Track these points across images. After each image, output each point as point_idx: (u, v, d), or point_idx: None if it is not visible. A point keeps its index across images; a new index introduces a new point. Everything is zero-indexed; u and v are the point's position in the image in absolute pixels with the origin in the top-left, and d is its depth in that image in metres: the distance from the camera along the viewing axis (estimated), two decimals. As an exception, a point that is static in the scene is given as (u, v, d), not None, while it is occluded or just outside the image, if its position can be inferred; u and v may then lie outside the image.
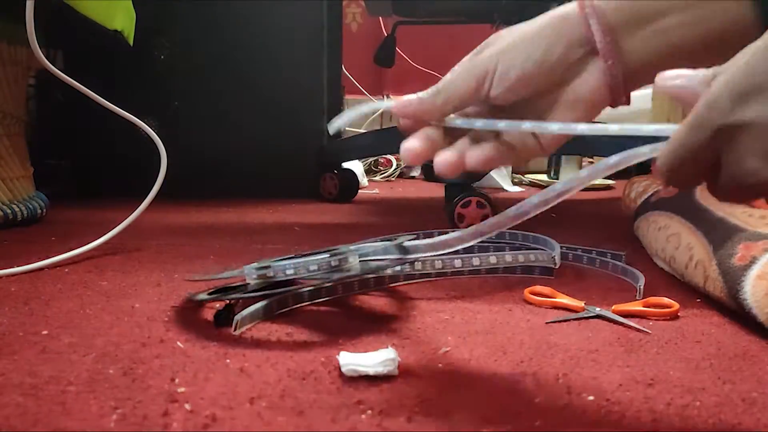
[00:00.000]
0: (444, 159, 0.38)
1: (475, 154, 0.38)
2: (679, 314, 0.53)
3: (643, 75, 0.37)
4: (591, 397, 0.37)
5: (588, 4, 0.37)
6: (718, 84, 0.29)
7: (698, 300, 0.58)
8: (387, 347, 0.41)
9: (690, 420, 0.34)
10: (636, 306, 0.54)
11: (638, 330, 0.49)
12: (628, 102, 0.39)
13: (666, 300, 0.54)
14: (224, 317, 0.48)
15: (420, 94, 0.40)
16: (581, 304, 0.54)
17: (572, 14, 0.37)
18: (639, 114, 1.70)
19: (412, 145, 0.38)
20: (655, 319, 0.52)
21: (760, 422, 0.35)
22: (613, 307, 0.53)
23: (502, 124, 0.38)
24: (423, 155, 0.38)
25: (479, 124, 0.38)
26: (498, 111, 0.40)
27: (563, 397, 0.37)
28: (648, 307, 0.53)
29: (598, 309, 0.53)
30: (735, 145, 0.28)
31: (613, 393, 0.38)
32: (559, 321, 0.51)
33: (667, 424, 0.34)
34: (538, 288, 0.58)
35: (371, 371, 0.39)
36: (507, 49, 0.38)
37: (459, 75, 0.39)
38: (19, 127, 0.93)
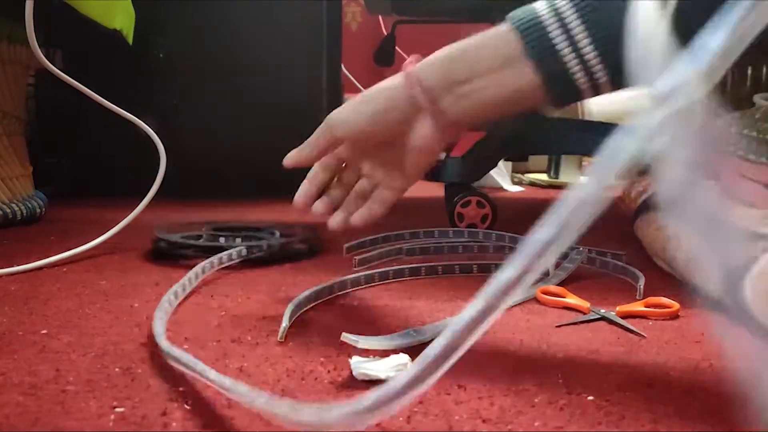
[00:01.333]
0: (336, 222, 0.54)
1: (361, 216, 0.53)
2: (679, 314, 0.53)
3: (465, 123, 0.46)
4: (591, 397, 0.37)
5: (412, 73, 0.47)
6: None
7: (698, 300, 0.58)
8: (398, 353, 0.41)
9: (689, 420, 0.34)
10: (638, 306, 0.54)
11: (637, 334, 0.49)
12: (457, 138, 0.51)
13: (666, 300, 0.54)
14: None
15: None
16: (587, 305, 0.54)
17: (399, 83, 0.47)
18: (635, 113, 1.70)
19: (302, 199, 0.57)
20: (656, 319, 0.52)
21: (760, 423, 0.34)
22: (617, 308, 0.53)
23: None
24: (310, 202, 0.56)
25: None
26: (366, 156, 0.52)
27: (563, 397, 0.37)
28: (648, 307, 0.54)
29: (602, 310, 0.53)
30: None
31: (613, 393, 0.38)
32: (567, 324, 0.51)
33: (666, 424, 0.34)
34: (551, 288, 0.58)
35: (383, 376, 0.38)
36: (351, 105, 0.50)
37: (316, 132, 0.54)
38: (19, 126, 0.93)
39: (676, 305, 0.53)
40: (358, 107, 0.49)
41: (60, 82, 0.68)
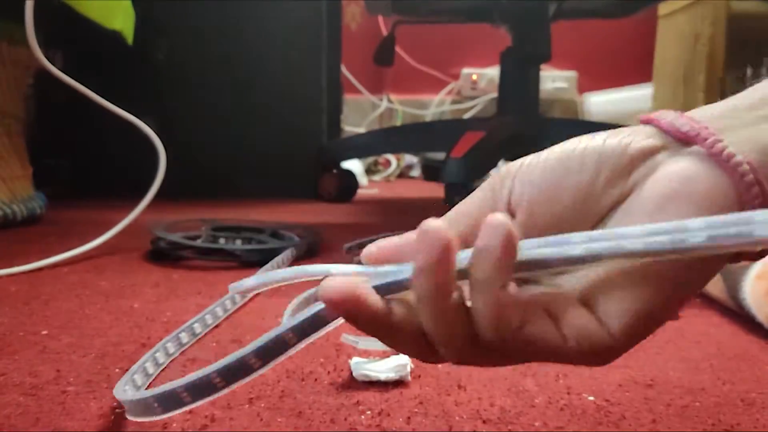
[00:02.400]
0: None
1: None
2: (679, 314, 0.53)
3: None
4: (591, 397, 0.37)
5: (654, 114, 0.26)
6: None
7: (698, 300, 0.58)
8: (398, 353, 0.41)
9: (689, 420, 0.34)
10: None
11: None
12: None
13: None
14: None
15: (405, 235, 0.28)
16: None
17: (618, 129, 0.26)
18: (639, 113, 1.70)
19: None
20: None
21: (759, 422, 0.35)
22: None
23: None
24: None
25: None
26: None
27: (563, 397, 0.37)
28: None
29: None
30: None
31: (613, 393, 0.38)
32: None
33: (666, 424, 0.34)
34: None
35: (383, 377, 0.38)
36: (534, 159, 0.26)
37: (475, 192, 0.27)
38: (19, 126, 0.93)
39: None
40: (535, 159, 0.26)
41: (60, 83, 0.68)
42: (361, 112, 2.07)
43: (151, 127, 0.75)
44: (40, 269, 0.65)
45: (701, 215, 0.21)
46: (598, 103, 1.95)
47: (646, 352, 0.45)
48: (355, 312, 0.24)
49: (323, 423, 0.33)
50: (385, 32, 1.93)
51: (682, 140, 0.24)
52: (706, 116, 0.24)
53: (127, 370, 0.39)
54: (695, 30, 1.50)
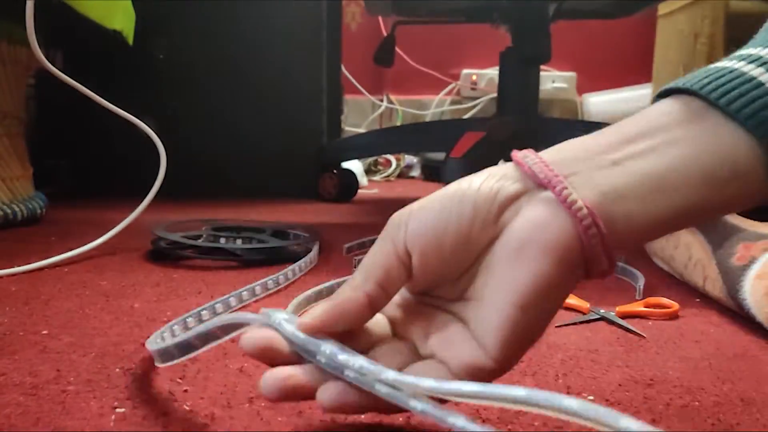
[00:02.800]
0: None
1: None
2: (678, 314, 0.53)
3: (617, 219, 0.27)
4: (591, 397, 0.37)
5: (521, 153, 0.30)
6: None
7: (697, 300, 0.58)
8: None
9: (689, 420, 0.34)
10: (637, 307, 0.54)
11: (636, 334, 0.49)
12: (610, 265, 0.28)
13: (665, 300, 0.55)
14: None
15: (333, 296, 0.31)
16: (587, 305, 0.54)
17: (496, 167, 0.31)
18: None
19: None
20: (655, 319, 0.52)
21: (759, 422, 0.35)
22: (617, 309, 0.53)
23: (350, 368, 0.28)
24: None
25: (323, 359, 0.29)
26: (425, 299, 0.32)
27: (563, 396, 0.37)
28: (648, 307, 0.54)
29: (602, 310, 0.53)
30: None
31: (613, 393, 0.38)
32: (567, 324, 0.50)
33: (666, 424, 0.34)
34: None
35: None
36: (420, 205, 0.30)
37: (374, 246, 0.31)
38: (19, 126, 0.93)
39: (675, 305, 0.54)
40: (422, 205, 0.31)
41: (60, 83, 0.68)
42: (361, 112, 2.07)
43: (151, 127, 0.75)
44: (40, 269, 0.65)
45: (551, 261, 0.27)
46: (598, 103, 1.95)
47: (646, 352, 0.45)
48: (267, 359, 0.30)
49: (323, 422, 0.33)
50: (385, 32, 1.93)
51: (540, 185, 0.28)
52: (562, 159, 0.28)
53: (127, 369, 0.39)
54: (695, 29, 1.50)
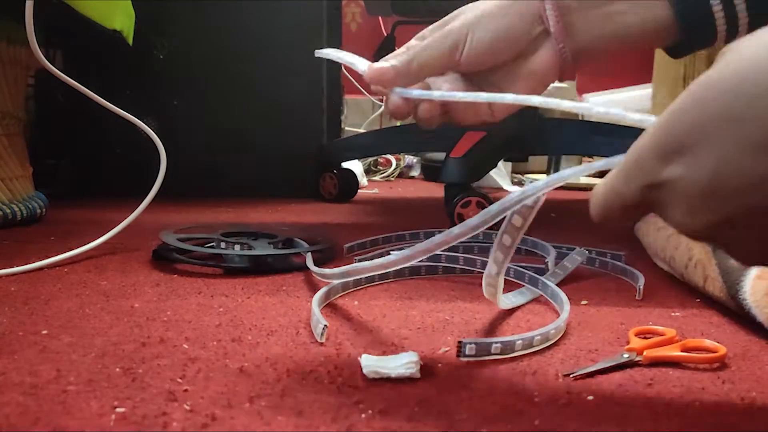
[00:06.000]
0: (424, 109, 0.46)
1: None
2: (727, 359, 0.43)
3: (589, 55, 0.43)
4: (591, 397, 0.37)
5: None
6: (644, 141, 0.29)
7: (698, 300, 0.58)
8: (407, 350, 0.41)
9: (690, 420, 0.34)
10: (673, 351, 0.43)
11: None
12: (573, 77, 0.48)
13: (708, 342, 0.44)
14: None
15: (392, 61, 0.45)
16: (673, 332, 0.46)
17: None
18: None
19: (396, 103, 0.46)
20: (695, 367, 0.42)
21: (760, 422, 0.35)
22: (645, 353, 0.42)
23: (460, 95, 0.42)
24: (405, 110, 0.46)
25: (437, 94, 0.43)
26: (463, 80, 0.46)
27: (563, 397, 0.37)
28: (686, 350, 0.43)
29: (626, 355, 0.42)
30: (661, 201, 0.29)
31: (613, 393, 0.38)
32: (583, 374, 0.40)
33: (666, 424, 0.34)
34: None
35: (393, 374, 0.38)
36: (476, 21, 0.43)
37: (432, 43, 0.44)
38: (19, 126, 0.93)
39: (721, 348, 0.43)
40: (485, 18, 0.44)
41: (60, 83, 0.68)
42: (361, 112, 2.07)
43: (151, 127, 0.75)
44: (40, 269, 0.65)
45: (542, 85, 0.45)
46: (598, 103, 1.95)
47: (646, 352, 0.45)
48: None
49: (324, 422, 0.33)
50: (385, 32, 1.93)
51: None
52: (572, 3, 0.42)
53: (127, 369, 0.39)
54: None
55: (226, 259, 0.68)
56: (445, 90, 0.46)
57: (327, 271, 0.50)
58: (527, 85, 0.44)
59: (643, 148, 0.29)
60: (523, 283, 0.60)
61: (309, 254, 0.66)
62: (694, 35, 0.41)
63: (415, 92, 0.44)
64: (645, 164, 0.28)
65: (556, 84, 2.25)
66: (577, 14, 0.42)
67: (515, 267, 0.62)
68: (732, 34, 0.40)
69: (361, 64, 0.47)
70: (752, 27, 0.39)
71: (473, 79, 0.46)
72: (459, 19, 0.44)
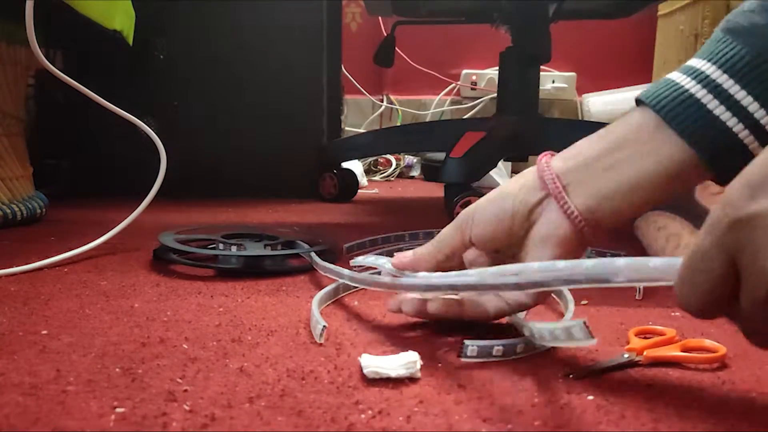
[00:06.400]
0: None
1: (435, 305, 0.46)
2: (726, 359, 0.43)
3: (608, 212, 0.41)
4: (591, 397, 0.37)
5: (542, 159, 0.43)
6: (734, 183, 0.28)
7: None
8: (407, 350, 0.41)
9: (690, 420, 0.34)
10: (673, 351, 0.43)
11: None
12: (596, 242, 0.45)
13: (708, 342, 0.44)
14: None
15: (415, 250, 0.48)
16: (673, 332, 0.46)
17: (529, 170, 0.44)
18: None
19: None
20: (696, 369, 0.42)
21: (759, 422, 0.35)
22: (645, 353, 0.42)
23: (452, 275, 0.43)
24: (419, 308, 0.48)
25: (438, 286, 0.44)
26: (491, 254, 0.46)
27: (563, 397, 0.37)
28: (686, 351, 0.44)
29: (626, 355, 0.42)
30: (752, 240, 0.26)
31: (613, 393, 0.38)
32: (583, 374, 0.40)
33: (666, 424, 0.34)
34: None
35: (393, 374, 0.38)
36: (479, 210, 0.45)
37: (448, 229, 0.47)
38: (19, 127, 0.93)
39: (721, 348, 0.43)
40: (488, 200, 0.45)
41: (60, 83, 0.68)
42: (361, 112, 2.07)
43: (151, 127, 0.75)
44: (40, 269, 0.65)
45: (560, 248, 0.42)
46: (598, 103, 1.95)
47: (646, 352, 0.45)
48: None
49: (323, 422, 0.33)
50: (385, 33, 1.93)
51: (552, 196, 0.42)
52: (568, 169, 0.42)
53: (127, 369, 0.39)
54: (695, 29, 1.50)
55: (221, 261, 0.67)
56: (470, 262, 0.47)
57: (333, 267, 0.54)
58: (547, 251, 0.42)
59: (732, 189, 0.28)
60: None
61: (312, 254, 0.66)
62: (728, 165, 0.37)
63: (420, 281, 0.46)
64: (734, 201, 0.27)
65: (556, 84, 2.24)
66: (575, 174, 0.41)
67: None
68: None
69: (385, 262, 0.51)
70: None
71: (504, 258, 0.46)
72: (473, 205, 0.46)
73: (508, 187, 0.44)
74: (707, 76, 0.38)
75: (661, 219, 0.71)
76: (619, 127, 0.41)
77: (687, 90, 0.39)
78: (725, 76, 0.38)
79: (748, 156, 0.37)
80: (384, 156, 1.86)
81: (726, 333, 0.49)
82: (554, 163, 0.43)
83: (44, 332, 0.46)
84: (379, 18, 1.98)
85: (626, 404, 0.36)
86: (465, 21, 1.29)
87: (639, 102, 0.41)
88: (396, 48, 1.37)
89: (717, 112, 0.38)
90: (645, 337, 0.46)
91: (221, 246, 0.69)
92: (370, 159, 1.85)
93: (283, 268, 0.68)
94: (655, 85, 0.40)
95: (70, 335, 0.46)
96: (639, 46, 1.91)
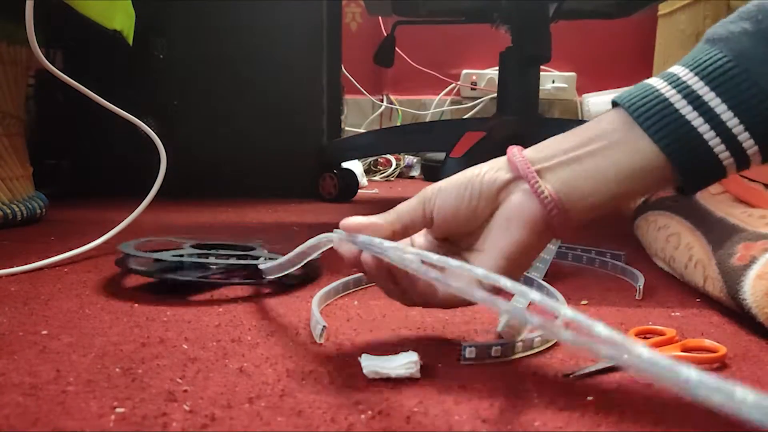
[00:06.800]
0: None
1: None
2: (727, 359, 0.43)
3: (572, 203, 0.40)
4: (591, 397, 0.37)
5: (513, 149, 0.42)
6: None
7: (698, 300, 0.58)
8: (408, 350, 0.41)
9: (690, 420, 0.34)
10: (674, 350, 0.44)
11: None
12: (567, 234, 0.41)
13: (708, 342, 0.44)
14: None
15: (371, 216, 0.44)
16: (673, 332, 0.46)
17: (498, 159, 0.43)
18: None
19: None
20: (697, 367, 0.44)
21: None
22: None
23: (412, 251, 0.38)
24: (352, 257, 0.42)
25: (391, 252, 0.39)
26: (444, 244, 0.44)
27: (563, 397, 0.37)
28: (687, 350, 0.44)
29: (626, 355, 0.44)
30: None
31: (613, 393, 0.38)
32: (582, 374, 0.40)
33: (667, 424, 0.34)
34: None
35: (393, 374, 0.38)
36: (445, 185, 0.42)
37: (410, 201, 0.44)
38: (19, 126, 0.93)
39: (721, 348, 0.43)
40: (448, 185, 0.42)
41: (60, 83, 0.68)
42: (361, 112, 2.07)
43: (151, 127, 0.75)
44: (40, 269, 0.65)
45: (527, 231, 0.40)
46: (598, 103, 1.95)
47: (646, 352, 0.45)
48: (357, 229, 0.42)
49: (323, 422, 0.33)
50: (385, 33, 1.93)
51: (521, 177, 0.40)
52: (539, 157, 0.41)
53: (127, 369, 0.39)
54: (695, 29, 1.50)
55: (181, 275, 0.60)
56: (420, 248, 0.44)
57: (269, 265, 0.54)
58: (510, 234, 0.40)
59: None
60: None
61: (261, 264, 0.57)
62: (697, 173, 0.38)
63: (361, 238, 0.41)
64: None
65: (556, 84, 2.24)
66: (546, 163, 0.40)
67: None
68: (744, 165, 0.38)
69: (332, 235, 0.44)
70: (766, 153, 0.38)
71: (455, 243, 0.44)
72: (437, 184, 0.43)
73: (475, 169, 0.42)
74: (683, 82, 0.38)
75: (661, 219, 0.71)
76: (589, 125, 0.41)
77: (662, 94, 0.39)
78: (701, 83, 0.38)
79: (714, 162, 0.38)
80: (384, 156, 1.86)
81: (726, 333, 0.49)
82: (525, 152, 0.42)
83: (44, 332, 0.46)
84: (379, 18, 1.98)
85: (626, 404, 0.36)
86: (465, 21, 1.29)
87: (614, 104, 0.41)
88: (396, 48, 1.37)
89: (689, 117, 0.38)
90: (645, 337, 0.46)
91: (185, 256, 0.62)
92: (370, 159, 1.85)
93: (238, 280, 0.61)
94: (632, 89, 0.40)
95: (70, 335, 0.46)
96: (639, 46, 1.91)
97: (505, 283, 0.32)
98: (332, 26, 1.36)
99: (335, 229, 0.43)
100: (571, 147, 0.40)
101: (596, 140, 0.40)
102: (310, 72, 1.31)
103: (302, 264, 0.49)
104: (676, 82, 0.38)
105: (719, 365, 0.42)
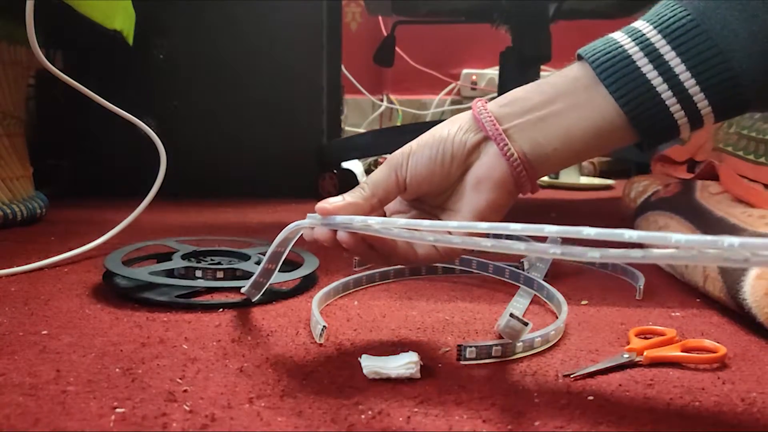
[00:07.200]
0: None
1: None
2: (727, 359, 0.43)
3: (539, 161, 0.41)
4: (591, 397, 0.37)
5: (478, 102, 0.42)
6: None
7: (698, 300, 0.58)
8: (408, 351, 0.41)
9: (690, 420, 0.34)
10: (673, 351, 0.43)
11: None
12: (533, 189, 0.43)
13: (708, 342, 0.44)
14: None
15: (345, 195, 0.43)
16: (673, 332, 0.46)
17: (463, 114, 0.43)
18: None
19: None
20: (696, 368, 0.42)
21: (760, 422, 0.35)
22: (645, 354, 0.42)
23: (401, 223, 0.38)
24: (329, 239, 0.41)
25: (376, 226, 0.39)
26: (415, 204, 0.45)
27: (563, 396, 0.37)
28: (686, 351, 0.44)
29: (626, 355, 0.42)
30: None
31: (613, 393, 0.38)
32: (583, 374, 0.40)
33: (666, 424, 0.34)
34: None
35: (393, 374, 0.39)
36: (415, 148, 0.43)
37: (381, 170, 0.44)
38: (19, 127, 0.93)
39: (721, 349, 0.43)
40: (418, 149, 0.43)
41: (60, 83, 0.68)
42: (361, 112, 2.07)
43: (151, 127, 0.75)
44: (40, 269, 0.65)
45: (496, 190, 0.41)
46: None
47: (646, 352, 0.45)
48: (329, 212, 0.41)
49: (323, 422, 0.33)
50: (385, 32, 1.93)
51: (491, 138, 0.41)
52: (506, 114, 0.41)
53: (127, 369, 0.39)
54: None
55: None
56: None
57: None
58: (481, 195, 0.41)
59: None
60: (518, 284, 0.60)
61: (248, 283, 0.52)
62: (653, 132, 0.39)
63: (339, 218, 0.40)
64: None
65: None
66: (511, 120, 0.41)
67: (509, 268, 0.62)
68: (697, 125, 0.39)
69: (306, 221, 0.43)
70: (719, 114, 0.38)
71: (428, 202, 0.44)
72: (406, 147, 0.44)
73: (443, 129, 0.43)
74: (646, 39, 0.39)
75: (661, 219, 0.71)
76: (555, 79, 0.42)
77: (625, 50, 0.39)
78: (663, 41, 0.38)
79: (670, 121, 0.38)
80: (384, 156, 1.86)
81: (726, 333, 0.49)
82: (490, 107, 0.42)
83: (44, 332, 0.46)
84: (379, 18, 1.98)
85: (626, 404, 0.36)
86: (465, 21, 1.30)
87: (579, 57, 0.41)
88: (396, 48, 1.37)
89: (649, 75, 0.38)
90: (645, 338, 0.46)
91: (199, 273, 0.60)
92: (370, 159, 1.85)
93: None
94: (596, 42, 0.41)
95: (70, 335, 0.46)
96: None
97: (482, 226, 0.36)
98: (332, 26, 1.36)
99: (309, 214, 0.42)
100: (536, 105, 0.41)
101: (562, 98, 0.40)
102: (310, 72, 1.31)
103: (281, 263, 0.48)
104: (639, 38, 0.39)
105: (719, 365, 0.42)
